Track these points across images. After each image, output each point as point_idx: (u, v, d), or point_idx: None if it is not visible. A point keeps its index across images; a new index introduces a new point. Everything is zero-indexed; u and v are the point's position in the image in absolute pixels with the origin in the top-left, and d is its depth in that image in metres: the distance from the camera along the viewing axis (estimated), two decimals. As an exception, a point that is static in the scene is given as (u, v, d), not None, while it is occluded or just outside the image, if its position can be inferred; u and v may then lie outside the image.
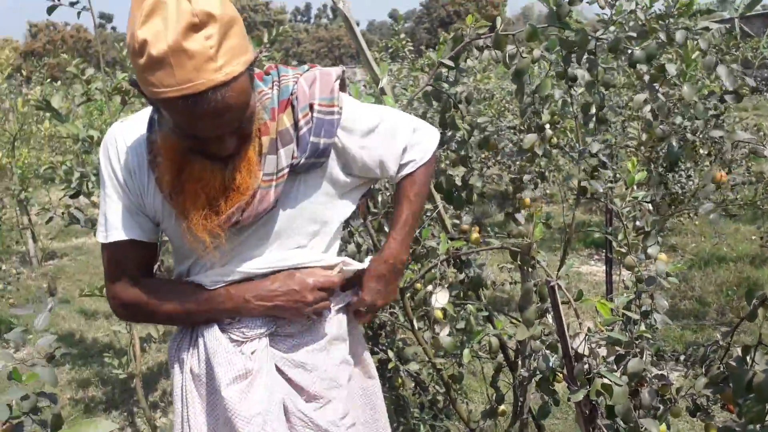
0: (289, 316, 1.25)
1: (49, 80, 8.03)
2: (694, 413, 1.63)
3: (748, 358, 1.19)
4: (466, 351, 1.78)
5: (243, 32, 0.99)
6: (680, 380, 3.28)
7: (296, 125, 1.16)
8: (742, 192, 4.25)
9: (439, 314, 1.91)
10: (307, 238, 1.27)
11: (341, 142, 1.23)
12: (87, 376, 3.68)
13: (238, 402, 1.17)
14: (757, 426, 0.99)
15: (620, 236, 2.02)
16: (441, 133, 1.89)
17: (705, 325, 4.03)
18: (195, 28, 0.92)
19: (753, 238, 5.45)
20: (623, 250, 1.93)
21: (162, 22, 0.92)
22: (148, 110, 1.16)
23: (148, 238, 1.22)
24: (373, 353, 2.07)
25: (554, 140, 2.10)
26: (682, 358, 3.79)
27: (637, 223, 1.93)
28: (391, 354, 1.95)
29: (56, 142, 8.57)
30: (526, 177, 1.84)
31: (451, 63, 1.67)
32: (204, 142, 1.03)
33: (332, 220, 1.31)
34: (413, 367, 1.77)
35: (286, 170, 1.16)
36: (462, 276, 2.07)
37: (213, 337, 1.22)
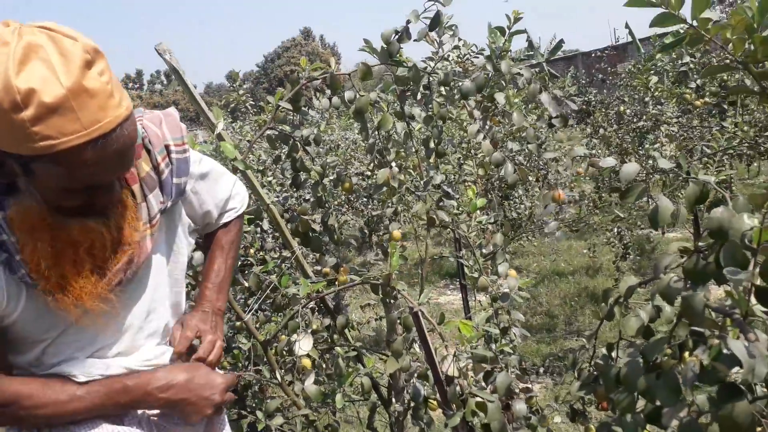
0: (190, 414, 1.11)
1: None
2: (573, 418, 1.71)
3: (612, 354, 1.27)
4: (338, 396, 1.73)
5: None
6: (542, 392, 3.47)
7: (157, 169, 1.10)
8: (570, 211, 4.70)
9: (306, 362, 1.85)
10: (167, 298, 1.20)
11: (194, 182, 1.23)
12: None
13: None
14: (629, 416, 1.05)
15: (470, 261, 2.11)
16: (294, 176, 1.86)
17: (557, 336, 4.33)
18: (89, 65, 0.84)
19: (584, 252, 5.99)
20: (475, 275, 2.02)
21: (45, 66, 0.80)
22: None
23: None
24: (240, 416, 1.94)
25: (402, 177, 2.17)
26: (541, 370, 4.02)
27: (483, 250, 2.03)
28: (260, 414, 1.84)
29: None
30: (389, 210, 1.86)
31: (288, 105, 1.67)
32: (92, 194, 0.92)
33: (180, 280, 1.25)
34: (278, 420, 1.68)
35: (158, 216, 1.10)
36: (328, 322, 2.03)
37: None
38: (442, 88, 1.65)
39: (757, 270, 0.81)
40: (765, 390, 0.88)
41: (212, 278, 1.32)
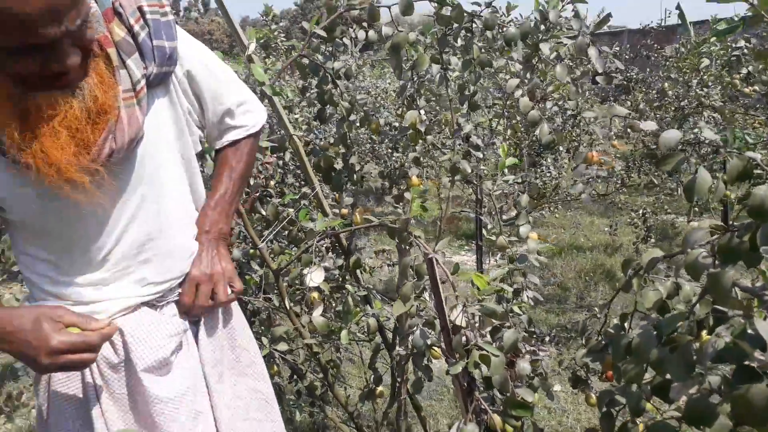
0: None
1: None
2: (575, 385, 1.70)
3: (625, 324, 1.24)
4: (344, 332, 1.74)
5: None
6: (546, 360, 3.48)
7: (131, 32, 1.03)
8: (602, 174, 4.61)
9: (315, 295, 1.85)
10: (180, 181, 1.17)
11: (184, 52, 1.13)
12: None
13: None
14: (634, 386, 1.03)
15: (490, 221, 2.08)
16: (320, 109, 1.82)
17: (567, 308, 4.31)
18: None
19: (605, 229, 5.91)
20: (492, 238, 1.98)
21: None
22: None
23: None
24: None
25: (429, 123, 2.12)
26: (547, 339, 4.02)
27: (504, 216, 1.99)
28: (265, 341, 1.85)
29: None
30: (411, 155, 1.82)
31: (323, 33, 1.61)
32: (43, 60, 0.86)
33: (193, 159, 1.20)
34: (281, 347, 1.69)
35: (143, 83, 1.03)
36: (341, 262, 2.02)
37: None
38: (487, 33, 1.58)
39: (797, 250, 0.77)
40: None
41: (216, 198, 1.24)
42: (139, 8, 1.05)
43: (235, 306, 1.32)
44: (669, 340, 0.94)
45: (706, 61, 4.07)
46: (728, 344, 0.75)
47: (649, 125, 1.24)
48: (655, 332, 0.98)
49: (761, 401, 0.72)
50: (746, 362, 0.77)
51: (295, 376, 2.22)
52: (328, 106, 1.79)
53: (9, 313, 0.99)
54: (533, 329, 2.08)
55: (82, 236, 1.06)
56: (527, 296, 1.89)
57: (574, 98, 1.55)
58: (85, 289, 1.09)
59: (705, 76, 4.37)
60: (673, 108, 4.38)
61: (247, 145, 1.30)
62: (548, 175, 5.14)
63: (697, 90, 4.11)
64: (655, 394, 0.97)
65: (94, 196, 0.99)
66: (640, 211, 4.70)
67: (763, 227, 0.86)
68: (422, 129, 1.64)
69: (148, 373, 1.10)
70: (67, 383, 1.10)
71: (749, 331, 0.73)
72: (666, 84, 4.06)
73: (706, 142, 1.14)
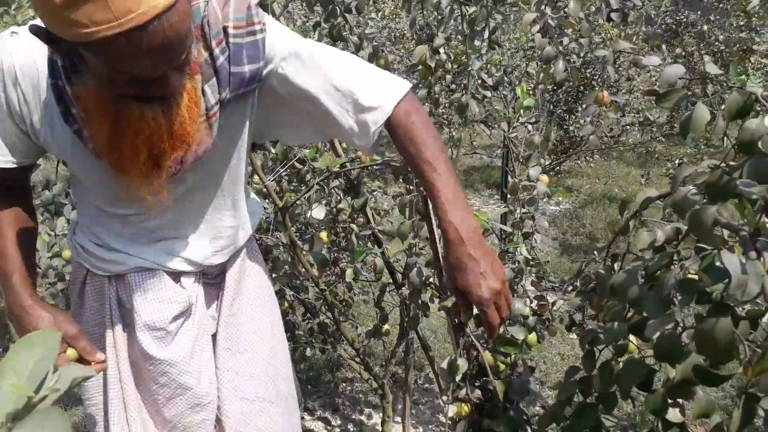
0: None
1: None
2: (569, 328, 1.70)
3: (616, 265, 1.23)
4: (348, 270, 1.76)
5: None
6: (565, 307, 3.48)
7: (211, 55, 0.98)
8: (633, 136, 4.47)
9: (323, 235, 1.87)
10: (229, 172, 1.15)
11: (276, 54, 1.03)
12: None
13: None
14: (616, 324, 1.03)
15: (518, 170, 2.04)
16: (329, 44, 1.79)
17: (594, 258, 4.26)
18: None
19: (641, 180, 5.76)
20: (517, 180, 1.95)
21: None
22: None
23: (26, 164, 1.08)
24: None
25: (449, 66, 2.07)
26: (570, 288, 4.01)
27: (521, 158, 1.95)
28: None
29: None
30: (421, 92, 1.79)
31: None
32: (144, 85, 0.87)
33: (247, 151, 1.19)
34: (281, 280, 1.73)
35: (216, 108, 1.01)
36: (349, 200, 2.03)
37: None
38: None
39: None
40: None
41: (441, 197, 1.02)
42: (224, 29, 0.99)
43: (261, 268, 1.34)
44: (651, 278, 0.92)
45: (755, 1, 3.84)
46: (688, 276, 0.73)
47: (653, 60, 1.18)
48: (643, 272, 0.96)
49: (724, 336, 0.70)
50: (710, 295, 0.75)
51: (308, 314, 2.27)
52: (338, 42, 1.77)
53: (29, 316, 1.06)
54: (549, 277, 2.06)
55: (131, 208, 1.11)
56: (536, 240, 1.87)
57: (586, 35, 1.49)
58: (117, 239, 1.15)
59: (756, 18, 4.13)
60: (717, 51, 4.18)
61: (408, 112, 1.07)
62: (582, 122, 5.00)
63: (743, 34, 3.90)
64: (632, 332, 0.96)
65: (152, 210, 1.05)
66: (677, 161, 4.55)
67: (750, 162, 0.82)
68: (432, 65, 1.61)
69: (145, 332, 1.15)
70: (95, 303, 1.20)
71: (717, 263, 0.71)
72: (705, 27, 3.85)
73: (711, 77, 1.09)
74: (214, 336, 1.24)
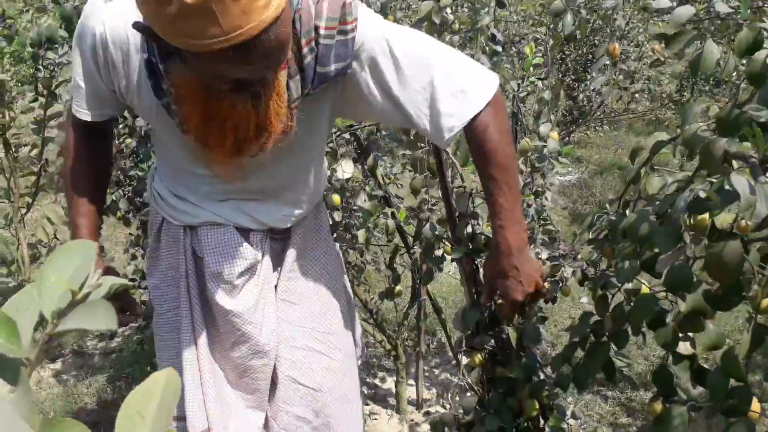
0: None
1: None
2: (582, 282, 1.71)
3: (627, 211, 1.24)
4: (361, 231, 1.78)
5: None
6: (570, 268, 3.49)
7: (300, 53, 1.00)
8: (623, 68, 4.42)
9: (335, 198, 1.89)
10: (306, 149, 1.20)
11: (366, 46, 1.04)
12: (-22, 290, 3.48)
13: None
14: (627, 264, 1.03)
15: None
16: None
17: (606, 212, 4.26)
18: None
19: (651, 149, 5.71)
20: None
21: None
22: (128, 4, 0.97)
23: (114, 116, 1.21)
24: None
25: (456, 26, 2.06)
26: (579, 256, 4.02)
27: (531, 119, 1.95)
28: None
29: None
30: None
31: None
32: (242, 83, 0.93)
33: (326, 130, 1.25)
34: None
35: (299, 101, 1.05)
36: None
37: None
38: None
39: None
40: None
41: (501, 212, 1.09)
42: (316, 28, 1.00)
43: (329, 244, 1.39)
44: (661, 216, 0.93)
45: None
46: (698, 198, 0.75)
47: (662, 2, 1.18)
48: (654, 214, 0.98)
49: (733, 258, 0.72)
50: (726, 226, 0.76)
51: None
52: None
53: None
54: (554, 236, 2.08)
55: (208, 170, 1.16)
56: (546, 198, 1.88)
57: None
58: (191, 193, 1.21)
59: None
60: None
61: (487, 120, 1.07)
62: (592, 90, 4.96)
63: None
64: (645, 270, 0.98)
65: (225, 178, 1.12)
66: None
67: (760, 91, 0.83)
68: (437, 21, 1.60)
69: (214, 282, 1.21)
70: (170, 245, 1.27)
71: (726, 186, 0.72)
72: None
73: (721, 16, 1.08)
74: (275, 287, 1.30)
